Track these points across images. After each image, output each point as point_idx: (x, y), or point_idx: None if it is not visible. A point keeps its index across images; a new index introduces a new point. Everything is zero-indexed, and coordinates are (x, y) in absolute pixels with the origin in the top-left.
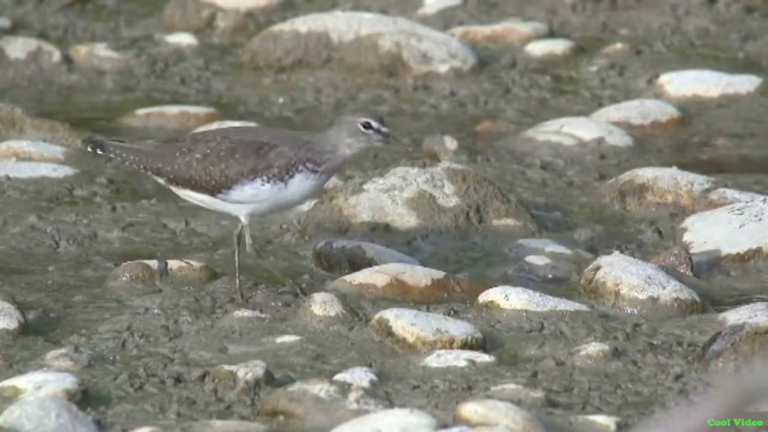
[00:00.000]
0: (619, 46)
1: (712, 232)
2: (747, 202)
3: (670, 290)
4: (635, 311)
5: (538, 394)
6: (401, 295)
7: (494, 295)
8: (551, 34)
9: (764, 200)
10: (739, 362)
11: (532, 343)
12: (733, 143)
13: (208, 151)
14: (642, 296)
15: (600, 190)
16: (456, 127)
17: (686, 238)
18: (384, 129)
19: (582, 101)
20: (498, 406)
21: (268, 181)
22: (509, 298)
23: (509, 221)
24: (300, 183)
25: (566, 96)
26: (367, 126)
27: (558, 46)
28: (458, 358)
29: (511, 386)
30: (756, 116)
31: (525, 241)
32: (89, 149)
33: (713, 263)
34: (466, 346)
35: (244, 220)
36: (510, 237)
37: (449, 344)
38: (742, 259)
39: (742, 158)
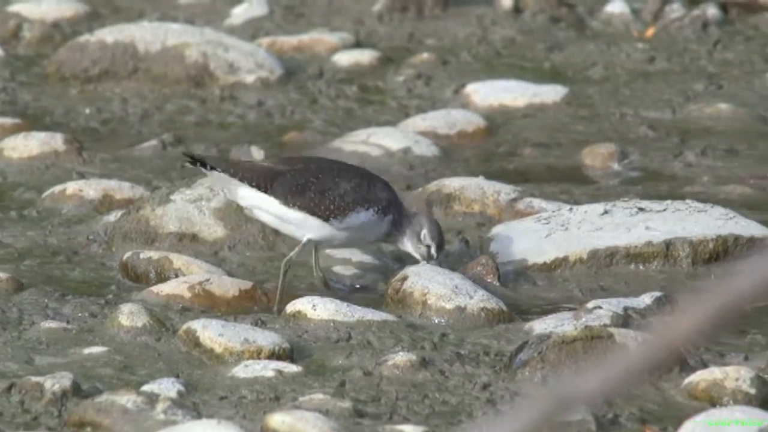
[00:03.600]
0: (425, 56)
1: (519, 241)
2: (553, 211)
3: (477, 300)
4: (442, 321)
5: (346, 404)
6: (209, 305)
7: (302, 305)
8: (358, 45)
9: (570, 209)
10: (546, 371)
11: (339, 353)
12: (539, 153)
13: (321, 175)
14: (449, 306)
15: (407, 199)
16: (263, 137)
17: (493, 247)
18: (433, 253)
19: (389, 111)
20: (306, 417)
21: (378, 212)
22: (317, 308)
23: None
24: (387, 224)
25: (373, 106)
26: (428, 246)
27: (365, 56)
28: (266, 369)
29: (318, 396)
30: (562, 126)
31: (333, 251)
32: (190, 164)
33: (520, 272)
34: (273, 356)
35: (306, 240)
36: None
37: (257, 354)
38: (549, 268)
39: (548, 168)
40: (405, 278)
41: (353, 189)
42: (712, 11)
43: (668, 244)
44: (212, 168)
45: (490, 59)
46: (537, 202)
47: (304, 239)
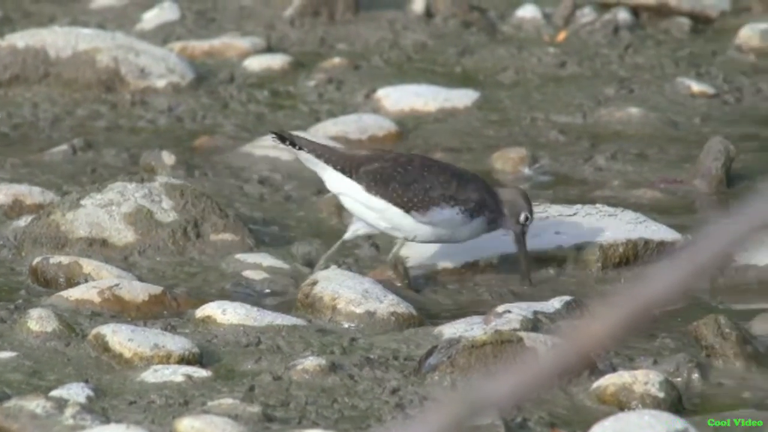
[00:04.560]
0: (337, 60)
1: (429, 245)
2: None
3: (387, 304)
4: (352, 325)
5: (255, 408)
6: (118, 310)
7: (211, 309)
8: (269, 49)
9: None
10: (456, 375)
11: (249, 358)
12: (450, 157)
13: (410, 167)
14: (359, 310)
15: (318, 204)
16: (174, 142)
17: (403, 252)
18: (526, 228)
19: (300, 116)
20: (215, 421)
21: (464, 212)
22: (226, 313)
23: (227, 236)
24: (477, 226)
25: (284, 111)
26: (526, 219)
27: (276, 61)
28: (175, 373)
29: (228, 401)
30: (473, 130)
31: (242, 256)
32: (281, 143)
33: (430, 277)
34: (183, 361)
35: (405, 237)
36: (228, 252)
37: (166, 359)
38: (459, 272)
39: None
40: (315, 283)
41: (440, 185)
42: (623, 15)
43: (578, 248)
44: (300, 148)
45: (401, 64)
46: None
47: (401, 236)
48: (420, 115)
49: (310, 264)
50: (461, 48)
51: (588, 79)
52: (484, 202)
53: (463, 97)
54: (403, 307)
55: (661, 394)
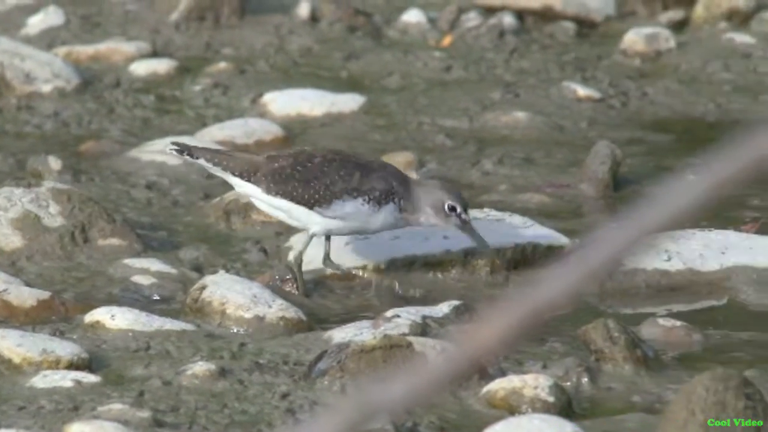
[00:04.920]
0: (222, 65)
1: (318, 250)
2: None
3: (276, 309)
4: (241, 330)
5: (145, 413)
6: (6, 315)
7: (100, 315)
8: (155, 54)
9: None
10: (345, 380)
11: (138, 363)
12: None
13: (309, 164)
14: (248, 315)
15: (205, 209)
16: (60, 147)
17: (292, 256)
18: (465, 216)
19: (186, 121)
20: (104, 427)
21: (368, 202)
22: (115, 318)
23: (115, 241)
24: (387, 214)
25: (170, 115)
26: (452, 209)
27: (162, 66)
28: (64, 378)
29: (117, 406)
30: (360, 135)
31: (131, 261)
32: (176, 153)
33: (319, 281)
34: (72, 366)
35: (312, 234)
36: (115, 257)
37: (55, 365)
38: (348, 277)
39: None
40: (204, 287)
41: (341, 178)
42: (508, 20)
43: (467, 253)
44: (196, 158)
45: (287, 68)
46: None
47: (309, 233)
48: (306, 120)
49: (198, 268)
50: (347, 52)
51: (474, 84)
52: (391, 190)
53: (349, 102)
54: (292, 312)
55: (551, 399)
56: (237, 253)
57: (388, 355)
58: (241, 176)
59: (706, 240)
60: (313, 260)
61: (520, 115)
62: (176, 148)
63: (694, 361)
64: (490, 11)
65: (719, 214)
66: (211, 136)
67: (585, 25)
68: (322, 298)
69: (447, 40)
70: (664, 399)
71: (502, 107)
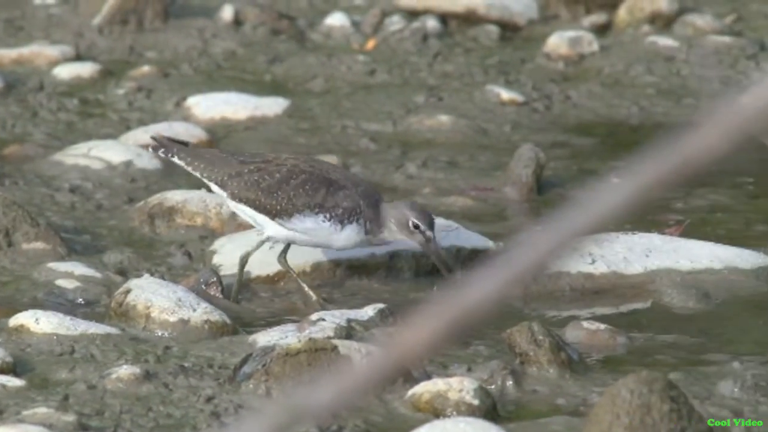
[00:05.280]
0: (146, 69)
1: (242, 253)
2: None
3: (200, 312)
4: (166, 334)
5: (70, 417)
6: None
7: (24, 318)
8: (78, 58)
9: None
10: (270, 383)
11: (63, 367)
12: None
13: (278, 175)
14: (173, 318)
15: (129, 213)
16: None
17: (216, 260)
18: (429, 234)
19: (110, 124)
20: (29, 430)
21: (329, 220)
22: (40, 322)
23: (39, 245)
24: (351, 233)
25: (94, 119)
26: (416, 227)
27: (85, 69)
28: None
29: (42, 410)
30: (284, 138)
31: (54, 265)
32: (152, 150)
33: (243, 285)
34: None
35: (266, 237)
36: (39, 260)
37: None
38: (272, 280)
39: None
40: (128, 291)
41: (305, 192)
42: (431, 23)
43: (391, 256)
44: (171, 156)
45: (211, 72)
46: None
47: (263, 236)
48: (230, 123)
49: (123, 272)
50: (271, 56)
51: (398, 87)
52: (356, 209)
53: (273, 105)
54: (216, 316)
55: (476, 402)
56: (161, 257)
57: (313, 359)
58: (209, 179)
59: (630, 243)
60: (237, 263)
61: (444, 118)
62: (154, 144)
63: (619, 364)
64: (413, 15)
65: (643, 217)
66: (135, 139)
67: (508, 29)
68: (246, 302)
69: (371, 44)
70: (588, 402)
71: (426, 111)
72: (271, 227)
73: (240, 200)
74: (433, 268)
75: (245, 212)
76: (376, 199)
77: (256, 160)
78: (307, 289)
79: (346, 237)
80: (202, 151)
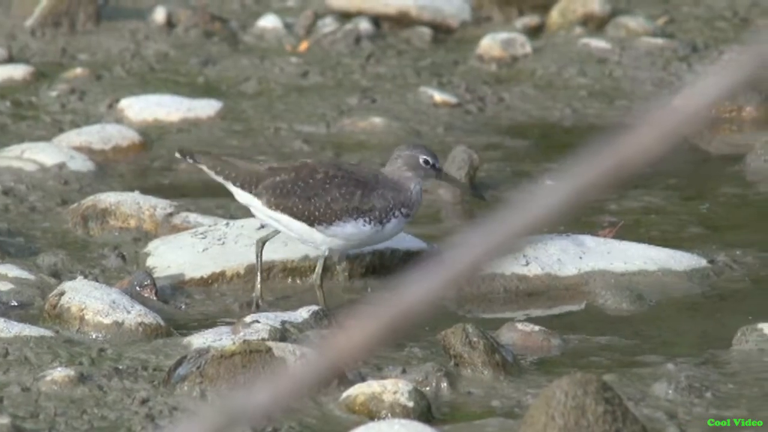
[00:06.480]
0: (79, 71)
1: (176, 256)
2: (210, 225)
3: (134, 315)
4: (100, 336)
5: (4, 420)
6: None
7: None
8: (11, 60)
9: (227, 224)
10: (205, 386)
11: None
12: (194, 167)
13: (311, 181)
14: (107, 321)
15: (63, 215)
16: None
17: (150, 262)
18: (438, 165)
19: (43, 126)
20: None
21: (370, 222)
22: None
23: None
24: (394, 226)
25: (27, 121)
26: (427, 163)
27: (18, 72)
28: None
29: None
30: (217, 140)
31: None
32: (180, 156)
33: (177, 287)
34: None
35: (325, 251)
36: None
37: None
38: (206, 282)
39: (204, 182)
40: (62, 293)
41: (342, 197)
42: (364, 25)
43: (325, 258)
44: (198, 163)
45: (143, 74)
46: (193, 217)
47: (321, 251)
48: (163, 125)
49: (56, 274)
50: (203, 58)
51: (331, 89)
52: (390, 204)
53: (206, 107)
54: (150, 318)
55: (411, 404)
56: (95, 259)
57: (248, 361)
58: (242, 186)
59: (564, 245)
60: (171, 265)
61: (377, 120)
62: (181, 153)
63: (553, 366)
64: (346, 17)
65: (577, 219)
66: (68, 141)
67: (441, 31)
68: (181, 304)
69: (303, 46)
70: (523, 403)
71: (359, 113)
72: (310, 235)
73: (276, 208)
74: (366, 270)
75: (279, 220)
76: (395, 182)
77: (286, 166)
78: (258, 284)
79: (392, 231)
80: (228, 158)
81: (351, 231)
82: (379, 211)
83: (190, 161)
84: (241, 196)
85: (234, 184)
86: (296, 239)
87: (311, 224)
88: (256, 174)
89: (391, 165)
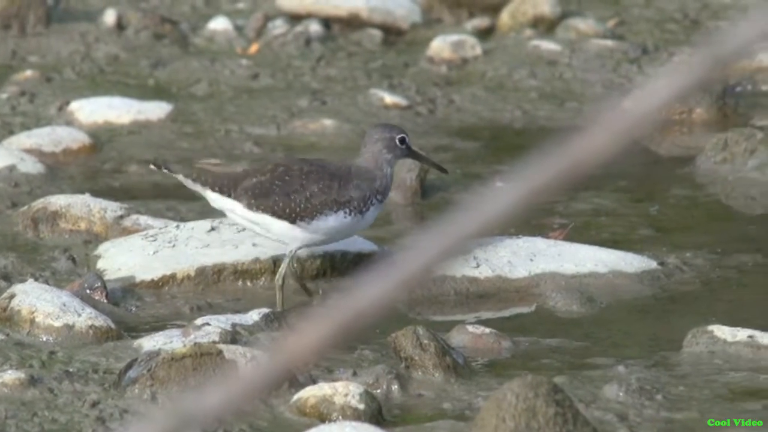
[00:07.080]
0: (29, 73)
1: (127, 258)
2: (160, 228)
3: (85, 317)
4: (51, 339)
5: None
6: None
7: None
8: None
9: (177, 226)
10: (156, 388)
11: None
12: (145, 170)
13: (288, 177)
14: (57, 324)
15: (13, 217)
16: None
17: (100, 265)
18: (409, 142)
19: None
20: None
21: (350, 213)
22: None
23: None
24: (372, 214)
25: None
26: (402, 141)
27: None
28: None
29: None
30: (167, 142)
31: None
32: (155, 167)
33: (128, 290)
34: None
35: (294, 249)
36: None
37: None
38: (157, 285)
39: (155, 185)
40: (12, 296)
41: (321, 191)
42: (314, 27)
43: (275, 261)
44: (173, 173)
45: (94, 76)
46: (144, 219)
47: (288, 249)
48: (114, 128)
49: (6, 277)
50: (154, 60)
51: (281, 91)
52: (366, 194)
53: (156, 110)
54: (101, 321)
55: (362, 406)
56: (46, 262)
57: (199, 363)
58: (220, 191)
59: (515, 247)
60: (122, 267)
61: (328, 122)
62: (154, 164)
63: (504, 368)
64: (296, 19)
65: (528, 221)
66: (18, 144)
67: (391, 33)
68: (131, 306)
69: (254, 48)
70: (474, 406)
71: (310, 114)
72: (291, 233)
73: (257, 209)
74: (318, 272)
75: (260, 221)
76: (367, 171)
77: (259, 167)
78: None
79: (371, 218)
80: (201, 165)
81: (333, 224)
82: (358, 201)
83: (165, 171)
84: (219, 201)
85: (212, 189)
86: (274, 240)
87: (293, 221)
88: (233, 177)
89: (370, 148)
